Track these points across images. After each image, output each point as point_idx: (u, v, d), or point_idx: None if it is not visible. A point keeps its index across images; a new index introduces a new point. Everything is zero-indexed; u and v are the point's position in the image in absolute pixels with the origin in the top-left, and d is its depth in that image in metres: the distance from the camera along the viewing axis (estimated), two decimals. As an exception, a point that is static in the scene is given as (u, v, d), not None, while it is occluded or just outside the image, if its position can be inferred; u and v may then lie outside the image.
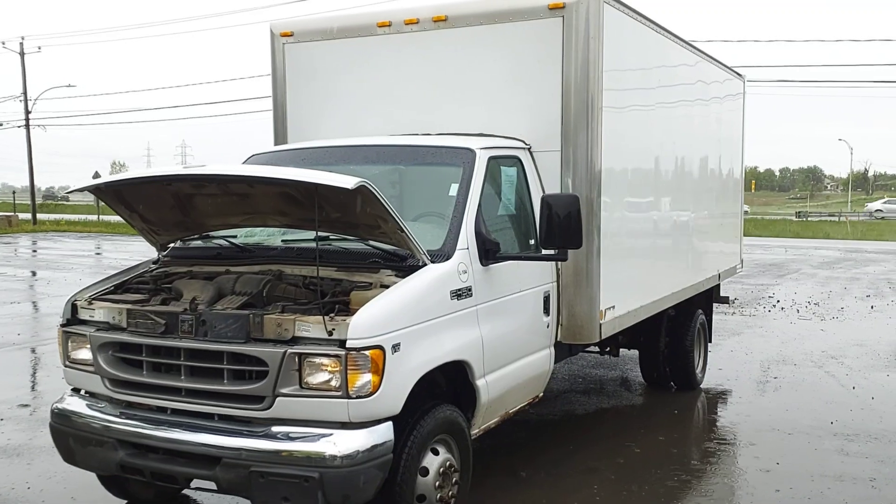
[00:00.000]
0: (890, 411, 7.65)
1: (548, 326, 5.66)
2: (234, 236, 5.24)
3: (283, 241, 5.08)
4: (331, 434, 4.01)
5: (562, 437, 6.79)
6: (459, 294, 4.65)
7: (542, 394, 5.85)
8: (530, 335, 5.48)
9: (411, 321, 4.27)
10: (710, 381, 8.79)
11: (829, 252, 27.87)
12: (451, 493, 4.55)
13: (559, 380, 8.77)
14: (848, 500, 5.48)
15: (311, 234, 4.90)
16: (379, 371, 4.03)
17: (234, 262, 4.91)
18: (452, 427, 4.62)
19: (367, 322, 4.03)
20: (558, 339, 5.82)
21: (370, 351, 4.00)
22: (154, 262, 5.20)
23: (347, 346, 3.98)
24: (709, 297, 9.08)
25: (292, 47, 6.66)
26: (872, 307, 14.48)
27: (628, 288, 6.49)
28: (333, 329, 4.05)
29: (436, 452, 4.50)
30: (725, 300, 9.97)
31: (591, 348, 7.53)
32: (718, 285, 9.34)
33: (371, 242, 4.66)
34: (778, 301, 15.06)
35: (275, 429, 4.10)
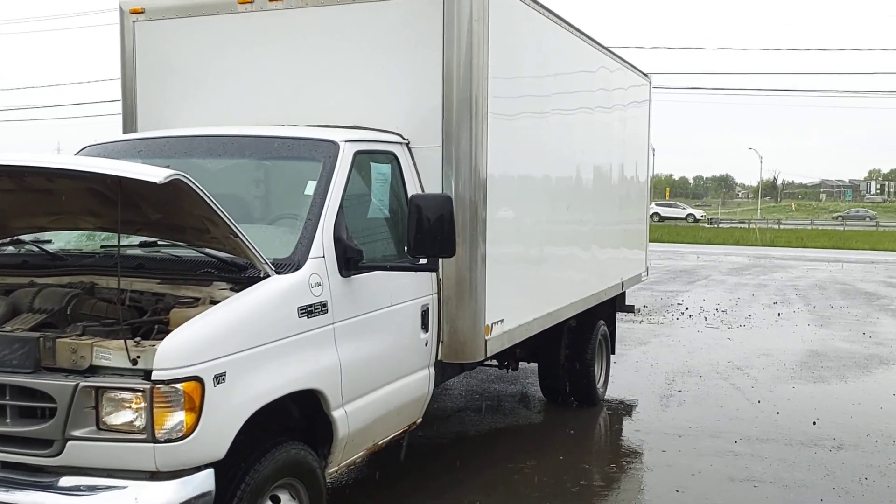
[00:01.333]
0: (794, 427, 7.28)
1: (426, 344, 5.00)
2: (49, 241, 4.41)
3: (102, 246, 4.27)
4: (131, 487, 3.25)
5: (449, 464, 6.14)
6: (311, 311, 3.94)
7: (420, 419, 5.19)
8: (404, 355, 4.80)
9: (242, 345, 3.54)
10: (612, 394, 8.31)
11: (739, 258, 28.19)
12: (296, 547, 3.83)
13: (454, 397, 8.14)
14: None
15: (139, 239, 4.13)
16: (195, 408, 3.29)
17: (42, 273, 4.09)
18: (299, 468, 3.90)
19: (179, 348, 3.29)
20: (439, 358, 5.17)
21: (183, 384, 3.26)
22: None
23: (153, 378, 3.23)
24: (612, 307, 8.60)
25: (143, 25, 5.83)
26: (779, 315, 14.37)
27: (520, 299, 5.89)
28: (138, 357, 3.30)
29: (276, 501, 3.77)
30: (631, 309, 9.53)
31: (491, 361, 6.93)
32: (623, 293, 8.88)
33: (206, 250, 3.92)
34: (686, 308, 14.82)
35: (63, 481, 3.31)
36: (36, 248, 4.28)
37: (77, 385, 3.26)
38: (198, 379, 3.30)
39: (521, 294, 5.92)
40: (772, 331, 12.68)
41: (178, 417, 3.25)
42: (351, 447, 4.35)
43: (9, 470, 3.41)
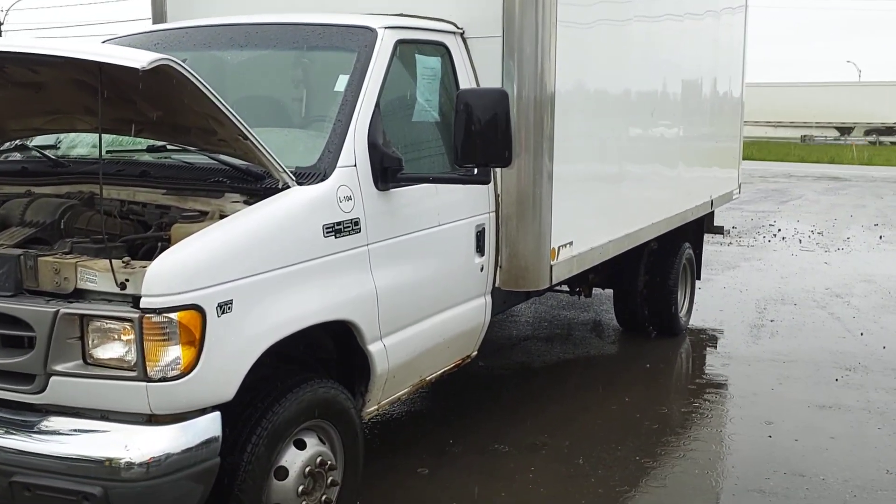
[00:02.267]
0: (906, 366, 6.45)
1: (482, 270, 4.38)
2: (54, 146, 3.93)
3: (108, 151, 3.75)
4: (122, 432, 2.77)
5: (511, 399, 5.59)
6: (339, 230, 3.36)
7: (474, 352, 4.62)
8: (455, 282, 4.20)
9: (254, 268, 2.99)
10: (696, 323, 7.58)
11: (835, 177, 26.45)
12: (324, 496, 3.34)
13: (520, 324, 7.56)
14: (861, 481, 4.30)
15: (147, 143, 3.61)
16: (195, 342, 2.77)
17: (42, 181, 3.61)
18: (329, 408, 3.38)
19: (174, 270, 2.76)
20: (497, 286, 4.55)
21: (179, 313, 2.73)
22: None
23: (142, 305, 2.72)
24: (699, 228, 7.77)
25: None
26: (881, 238, 13.20)
27: (592, 219, 5.20)
28: (126, 280, 2.78)
29: (301, 446, 3.27)
30: (720, 230, 8.69)
31: (562, 286, 6.29)
32: (712, 213, 8.03)
33: (220, 157, 3.35)
34: (779, 230, 13.76)
35: (48, 422, 2.86)
36: (38, 154, 3.79)
37: (57, 312, 2.77)
38: (197, 308, 2.77)
39: (594, 213, 5.23)
40: (873, 255, 11.60)
41: (173, 353, 2.74)
42: (392, 384, 3.81)
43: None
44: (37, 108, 3.49)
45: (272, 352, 3.07)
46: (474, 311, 4.39)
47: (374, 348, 3.58)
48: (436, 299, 4.04)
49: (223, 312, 2.84)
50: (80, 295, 2.87)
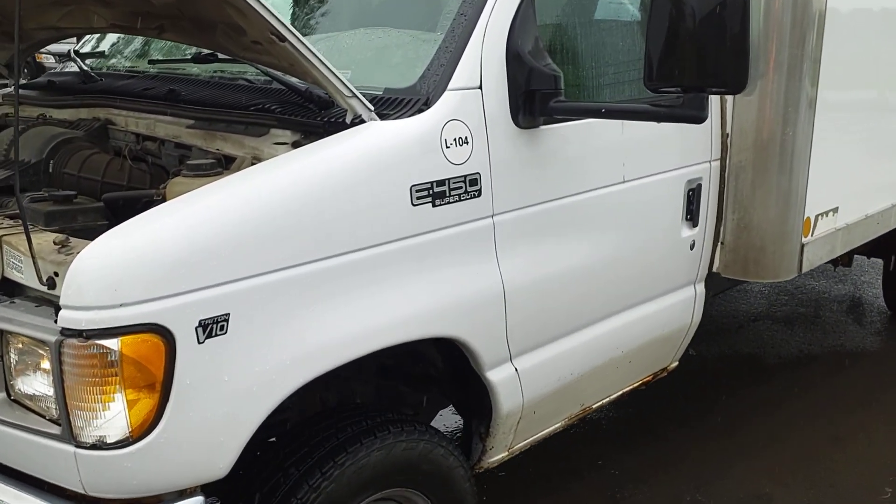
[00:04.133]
0: None
1: (692, 247, 2.93)
2: (104, 53, 2.94)
3: (150, 61, 2.68)
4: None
5: (726, 416, 4.07)
6: (440, 192, 2.06)
7: (674, 363, 3.21)
8: (648, 266, 2.79)
9: (275, 261, 1.78)
10: None
11: None
12: None
13: (752, 296, 5.87)
14: None
15: (192, 52, 2.50)
16: (154, 385, 1.63)
17: (63, 101, 2.63)
18: (418, 471, 2.17)
19: (116, 265, 1.62)
20: (714, 270, 3.08)
21: (125, 338, 1.60)
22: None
23: (62, 322, 1.61)
24: None
25: None
26: None
27: (869, 174, 3.51)
28: (57, 273, 1.69)
29: (366, 528, 2.09)
30: None
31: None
32: None
33: (275, 73, 2.17)
34: None
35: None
36: (78, 65, 2.80)
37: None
38: (158, 329, 1.62)
39: (871, 166, 3.53)
40: None
41: (115, 403, 1.63)
42: (531, 423, 2.52)
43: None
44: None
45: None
46: (677, 309, 2.97)
47: (496, 376, 2.30)
48: (612, 294, 2.67)
49: (209, 335, 1.68)
50: (7, 289, 1.83)
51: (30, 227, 1.83)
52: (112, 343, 1.58)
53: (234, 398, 1.73)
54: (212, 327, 1.67)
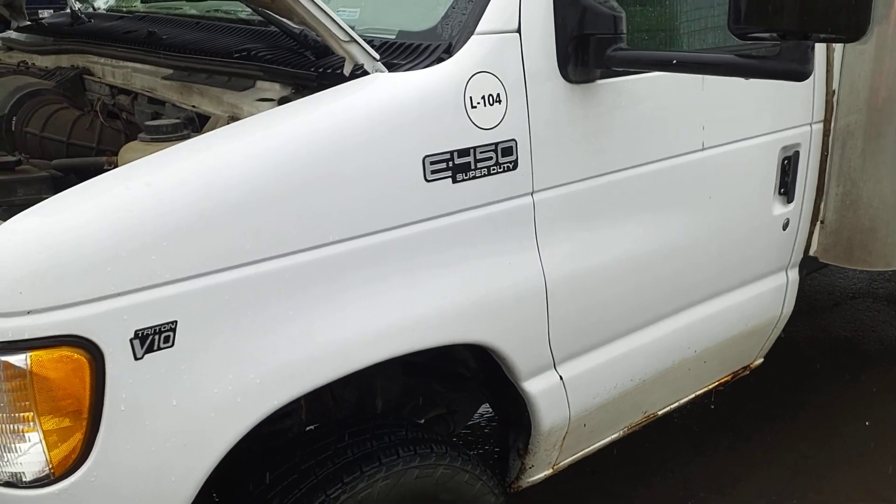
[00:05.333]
0: None
1: (784, 227, 2.44)
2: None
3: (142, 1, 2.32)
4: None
5: (820, 412, 3.57)
6: (462, 165, 1.64)
7: (759, 360, 2.75)
8: (730, 251, 2.33)
9: (243, 249, 1.40)
10: None
11: None
12: None
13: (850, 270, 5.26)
14: None
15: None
16: (80, 412, 1.30)
17: (46, 47, 2.31)
18: (435, 500, 1.79)
19: (24, 256, 1.26)
20: (811, 254, 2.59)
21: (35, 353, 1.25)
22: None
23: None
24: None
25: None
26: None
27: None
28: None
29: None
30: None
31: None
32: None
33: (269, 14, 1.78)
34: None
35: None
36: (69, 3, 2.47)
37: None
38: (81, 342, 1.27)
39: None
40: None
41: (30, 433, 1.29)
42: (580, 436, 2.12)
43: None
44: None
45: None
46: (764, 299, 2.50)
47: (536, 386, 1.89)
48: (683, 286, 2.21)
49: (150, 349, 1.32)
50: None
51: None
52: (18, 360, 1.24)
53: (187, 426, 1.38)
54: (153, 339, 1.32)
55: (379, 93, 1.56)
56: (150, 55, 1.92)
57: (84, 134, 1.89)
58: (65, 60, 2.22)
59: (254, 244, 1.40)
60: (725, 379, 2.62)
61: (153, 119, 1.81)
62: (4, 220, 1.50)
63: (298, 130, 1.46)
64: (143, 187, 1.32)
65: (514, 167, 1.71)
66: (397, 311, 1.58)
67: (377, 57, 1.59)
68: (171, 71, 1.86)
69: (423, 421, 2.15)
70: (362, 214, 1.53)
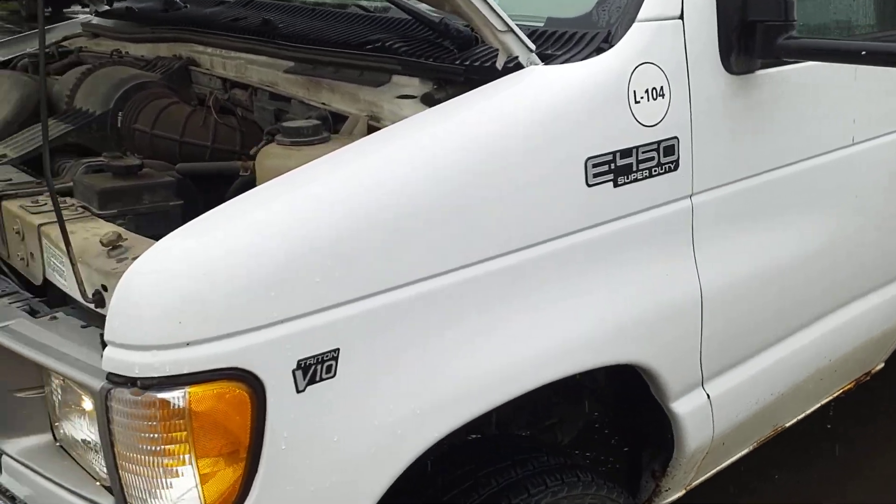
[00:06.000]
0: None
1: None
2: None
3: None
4: None
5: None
6: (625, 166, 1.48)
7: (881, 364, 2.58)
8: (877, 252, 2.16)
9: (403, 272, 1.25)
10: None
11: None
12: None
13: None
14: None
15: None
16: (239, 451, 1.16)
17: (142, 35, 2.17)
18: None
19: (179, 284, 1.12)
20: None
21: (194, 388, 1.11)
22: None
23: (106, 365, 1.13)
24: None
25: None
26: None
27: None
28: (104, 287, 1.22)
29: None
30: None
31: None
32: None
33: (417, 5, 1.63)
34: None
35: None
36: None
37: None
38: (243, 375, 1.13)
39: None
40: None
41: (185, 476, 1.16)
42: (718, 455, 1.97)
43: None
44: None
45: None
46: None
47: (685, 407, 1.73)
48: (828, 291, 2.04)
49: (312, 380, 1.18)
50: (50, 294, 1.39)
51: (81, 211, 1.37)
52: (177, 396, 1.10)
53: (348, 463, 1.24)
54: (315, 369, 1.18)
55: (540, 88, 1.40)
56: (265, 45, 1.77)
57: (197, 132, 1.75)
58: (164, 49, 2.08)
59: (415, 262, 1.25)
60: (848, 387, 2.46)
61: (276, 118, 1.66)
62: (131, 230, 1.37)
63: (461, 136, 1.31)
64: (307, 201, 1.18)
65: (675, 168, 1.55)
66: (559, 331, 1.43)
67: (533, 48, 1.43)
68: (291, 63, 1.71)
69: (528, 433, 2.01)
70: (523, 225, 1.38)
